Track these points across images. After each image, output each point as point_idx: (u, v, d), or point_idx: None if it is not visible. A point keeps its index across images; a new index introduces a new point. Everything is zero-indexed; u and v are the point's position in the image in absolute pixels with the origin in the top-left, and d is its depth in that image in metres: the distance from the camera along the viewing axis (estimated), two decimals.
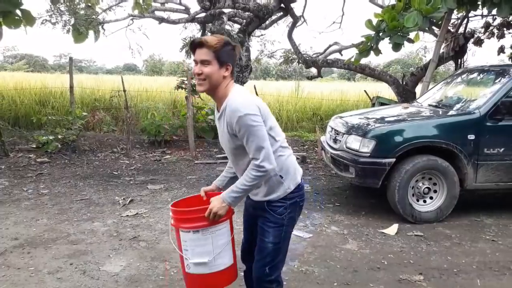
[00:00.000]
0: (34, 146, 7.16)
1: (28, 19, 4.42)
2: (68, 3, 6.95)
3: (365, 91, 9.66)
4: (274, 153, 1.92)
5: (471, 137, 4.28)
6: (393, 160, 4.26)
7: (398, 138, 4.30)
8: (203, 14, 8.12)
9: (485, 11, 7.44)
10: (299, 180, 2.08)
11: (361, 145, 4.39)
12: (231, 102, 1.90)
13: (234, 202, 1.93)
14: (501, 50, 8.56)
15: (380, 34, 5.76)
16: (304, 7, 10.20)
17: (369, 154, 4.31)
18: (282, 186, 2.01)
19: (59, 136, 7.10)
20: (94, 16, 7.00)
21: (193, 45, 1.92)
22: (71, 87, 7.61)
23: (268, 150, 1.86)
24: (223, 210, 1.91)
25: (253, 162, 1.88)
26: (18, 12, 4.32)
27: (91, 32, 7.50)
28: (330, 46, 10.71)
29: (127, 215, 4.38)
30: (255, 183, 1.89)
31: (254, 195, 2.07)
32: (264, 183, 1.99)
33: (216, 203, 1.91)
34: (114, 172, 6.23)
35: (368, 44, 5.97)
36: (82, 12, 7.23)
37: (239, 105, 1.86)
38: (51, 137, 7.04)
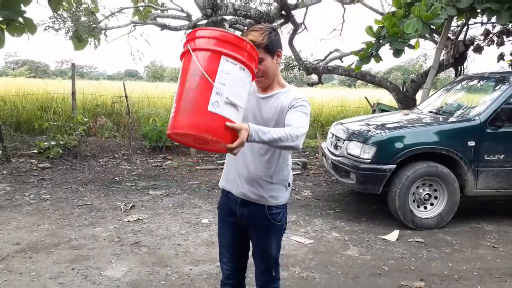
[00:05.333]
0: (36, 151, 7.17)
1: (30, 27, 4.46)
2: (70, 11, 7.00)
3: (365, 97, 9.68)
4: (286, 160, 1.98)
5: (471, 143, 4.31)
6: (394, 166, 4.27)
7: (398, 145, 4.33)
8: (204, 21, 8.15)
9: (485, 19, 7.48)
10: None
11: (362, 151, 4.41)
12: (295, 92, 1.89)
13: (253, 139, 1.64)
14: (501, 57, 8.61)
15: (381, 40, 5.81)
16: (305, 14, 10.23)
17: (369, 160, 4.33)
18: (285, 195, 2.02)
19: (61, 142, 7.12)
20: (93, 24, 7.04)
21: None
22: (73, 93, 7.66)
23: (304, 134, 1.76)
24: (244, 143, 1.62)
25: (292, 127, 1.73)
26: (20, 20, 4.37)
27: (91, 39, 7.54)
28: (330, 53, 10.76)
29: (128, 221, 4.39)
30: (281, 140, 1.67)
31: (258, 196, 1.94)
32: (271, 187, 1.95)
33: (246, 136, 1.59)
34: (116, 178, 6.24)
35: (369, 50, 6.01)
36: (84, 19, 7.27)
37: (303, 95, 1.87)
38: (52, 143, 7.06)
